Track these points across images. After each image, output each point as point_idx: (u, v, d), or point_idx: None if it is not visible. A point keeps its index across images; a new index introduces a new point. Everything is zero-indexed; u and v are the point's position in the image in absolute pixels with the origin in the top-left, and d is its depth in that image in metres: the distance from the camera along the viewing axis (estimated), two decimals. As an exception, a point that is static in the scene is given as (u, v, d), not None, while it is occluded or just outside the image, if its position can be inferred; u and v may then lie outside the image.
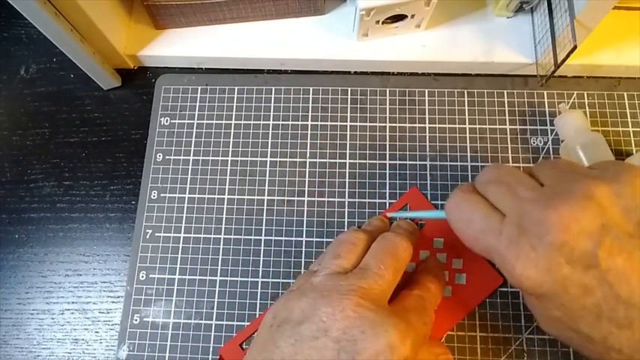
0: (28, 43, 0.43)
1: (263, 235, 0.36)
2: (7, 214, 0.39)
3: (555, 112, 0.38)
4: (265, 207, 0.37)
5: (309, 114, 0.39)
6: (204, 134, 0.39)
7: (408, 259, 0.28)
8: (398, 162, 0.37)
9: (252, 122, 0.39)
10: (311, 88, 0.39)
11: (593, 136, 0.34)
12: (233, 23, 0.40)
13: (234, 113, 0.39)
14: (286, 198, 0.37)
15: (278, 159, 0.38)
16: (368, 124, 0.38)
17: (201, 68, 0.41)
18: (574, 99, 0.38)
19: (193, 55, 0.40)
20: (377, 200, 0.36)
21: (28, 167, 0.40)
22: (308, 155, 0.38)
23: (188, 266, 0.36)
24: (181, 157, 0.38)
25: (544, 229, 0.22)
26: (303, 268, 0.35)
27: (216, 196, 0.37)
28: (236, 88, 0.40)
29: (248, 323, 0.34)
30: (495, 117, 0.38)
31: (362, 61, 0.39)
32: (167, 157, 0.38)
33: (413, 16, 0.36)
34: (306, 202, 0.37)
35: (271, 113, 0.39)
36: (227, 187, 0.37)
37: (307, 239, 0.36)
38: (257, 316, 0.34)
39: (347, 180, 0.37)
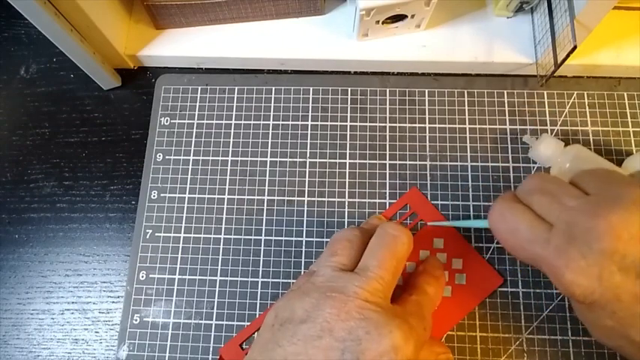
0: (28, 43, 0.43)
1: (263, 235, 0.36)
2: (7, 214, 0.39)
3: (556, 113, 0.38)
4: (265, 207, 0.37)
5: (309, 114, 0.39)
6: (204, 134, 0.39)
7: (408, 254, 0.28)
8: (398, 162, 0.37)
9: (252, 122, 0.39)
10: (311, 88, 0.39)
11: (573, 150, 0.34)
12: (233, 23, 0.40)
13: (234, 113, 0.39)
14: (286, 198, 0.37)
15: (278, 159, 0.38)
16: (368, 124, 0.38)
17: (201, 68, 0.41)
18: (574, 99, 0.38)
19: (193, 55, 0.40)
20: (377, 200, 0.36)
21: (28, 167, 0.40)
22: (308, 155, 0.38)
23: (188, 266, 0.36)
24: (181, 157, 0.38)
25: (594, 237, 0.22)
26: (303, 268, 0.35)
27: (216, 196, 0.37)
28: (236, 88, 0.40)
29: (248, 323, 0.34)
30: (495, 117, 0.38)
31: (362, 61, 0.39)
32: (167, 157, 0.38)
33: (413, 16, 0.36)
34: (306, 202, 0.37)
35: (271, 113, 0.39)
36: (227, 187, 0.37)
37: (307, 239, 0.36)
38: (257, 316, 0.34)
39: (347, 180, 0.37)
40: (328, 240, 0.35)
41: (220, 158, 0.38)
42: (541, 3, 0.37)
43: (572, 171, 0.34)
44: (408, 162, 0.37)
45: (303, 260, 0.35)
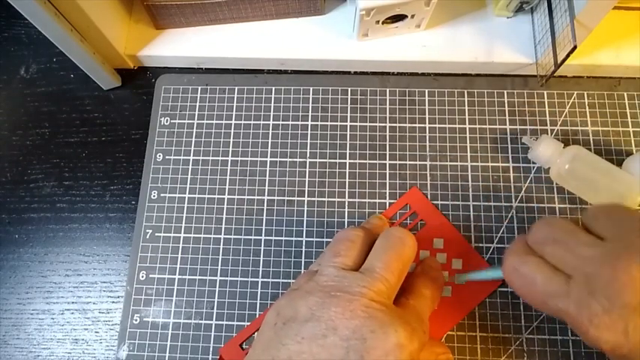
0: (28, 43, 0.43)
1: (263, 235, 0.36)
2: (7, 214, 0.39)
3: (556, 113, 0.38)
4: (265, 207, 0.37)
5: (309, 114, 0.39)
6: (204, 134, 0.39)
7: (412, 258, 0.28)
8: (398, 162, 0.37)
9: (252, 122, 0.39)
10: (311, 88, 0.39)
11: (573, 151, 0.34)
12: (233, 23, 0.40)
13: (234, 113, 0.39)
14: (286, 198, 0.37)
15: (278, 159, 0.38)
16: (368, 124, 0.38)
17: (201, 68, 0.41)
18: (574, 99, 0.38)
19: (193, 55, 0.40)
20: (377, 200, 0.36)
21: (28, 167, 0.40)
22: (308, 155, 0.38)
23: (188, 266, 0.36)
24: (181, 157, 0.38)
25: (615, 291, 0.22)
26: (303, 268, 0.35)
27: (216, 196, 0.37)
28: (236, 88, 0.40)
29: (248, 323, 0.34)
30: (495, 117, 0.38)
31: (362, 61, 0.39)
32: (167, 157, 0.38)
33: (413, 16, 0.36)
34: (306, 202, 0.37)
35: (271, 113, 0.39)
36: (227, 187, 0.37)
37: (307, 239, 0.36)
38: (257, 316, 0.34)
39: (347, 180, 0.37)
40: (328, 240, 0.35)
41: (220, 158, 0.38)
42: (541, 3, 0.37)
43: (572, 171, 0.34)
44: (408, 162, 0.37)
45: (303, 260, 0.35)
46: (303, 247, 0.36)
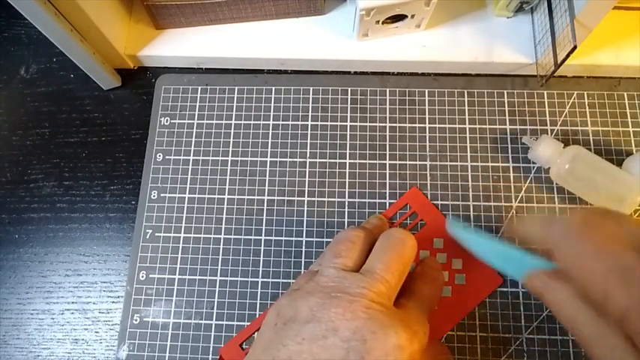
0: (28, 43, 0.43)
1: (263, 235, 0.36)
2: (7, 214, 0.39)
3: (556, 113, 0.38)
4: (265, 207, 0.37)
5: (309, 114, 0.39)
6: (204, 134, 0.39)
7: (413, 258, 0.28)
8: (398, 162, 0.37)
9: (252, 122, 0.39)
10: (311, 88, 0.39)
11: (572, 151, 0.34)
12: (233, 23, 0.40)
13: (234, 113, 0.39)
14: (286, 198, 0.37)
15: (278, 159, 0.38)
16: (368, 124, 0.38)
17: (201, 68, 0.41)
18: (574, 99, 0.38)
19: (193, 55, 0.40)
20: (377, 200, 0.36)
21: (28, 167, 0.40)
22: (308, 155, 0.38)
23: (188, 266, 0.36)
24: (181, 157, 0.38)
25: None
26: (303, 268, 0.35)
27: (216, 196, 0.37)
28: (236, 88, 0.40)
29: (248, 323, 0.34)
30: (495, 117, 0.38)
31: (362, 61, 0.39)
32: (167, 157, 0.38)
33: (413, 16, 0.36)
34: (306, 202, 0.37)
35: (271, 113, 0.39)
36: (227, 187, 0.37)
37: (307, 239, 0.36)
38: (257, 316, 0.34)
39: (347, 180, 0.37)
40: (328, 240, 0.35)
41: (220, 158, 0.38)
42: (541, 3, 0.37)
43: (572, 171, 0.34)
44: (408, 162, 0.37)
45: (303, 260, 0.35)
46: (303, 247, 0.36)
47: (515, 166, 0.37)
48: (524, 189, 0.36)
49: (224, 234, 0.36)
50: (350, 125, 0.38)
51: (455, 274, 0.34)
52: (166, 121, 0.39)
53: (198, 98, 0.40)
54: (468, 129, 0.38)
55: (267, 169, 0.38)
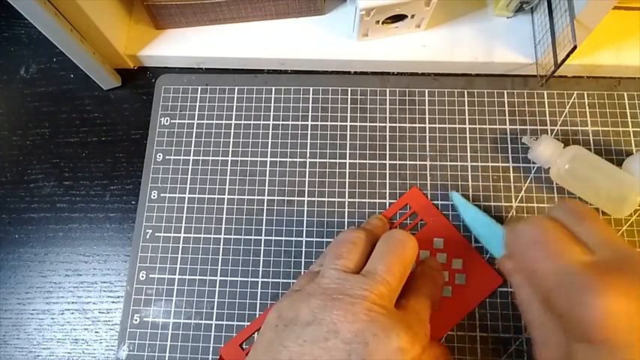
0: (28, 43, 0.43)
1: (263, 235, 0.36)
2: (7, 214, 0.39)
3: (556, 113, 0.38)
4: (265, 207, 0.37)
5: (309, 114, 0.39)
6: (204, 134, 0.39)
7: (414, 259, 0.28)
8: (398, 162, 0.37)
9: (252, 122, 0.39)
10: (311, 88, 0.39)
11: (572, 151, 0.34)
12: (233, 23, 0.40)
13: (234, 113, 0.39)
14: (286, 198, 0.37)
15: (278, 159, 0.38)
16: (368, 124, 0.38)
17: (201, 68, 0.41)
18: (574, 99, 0.38)
19: (193, 55, 0.40)
20: (377, 200, 0.36)
21: (28, 167, 0.40)
22: (308, 155, 0.38)
23: (188, 266, 0.36)
24: (181, 157, 0.38)
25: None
26: (303, 268, 0.35)
27: (216, 196, 0.37)
28: (236, 88, 0.40)
29: (248, 323, 0.34)
30: (495, 117, 0.38)
31: (362, 61, 0.39)
32: (167, 157, 0.38)
33: (413, 16, 0.36)
34: (306, 202, 0.37)
35: (271, 113, 0.39)
36: (227, 187, 0.37)
37: (307, 239, 0.36)
38: (257, 316, 0.34)
39: (347, 180, 0.37)
40: (328, 240, 0.35)
41: (220, 158, 0.38)
42: (541, 3, 0.37)
43: (572, 171, 0.34)
44: (408, 162, 0.37)
45: (303, 260, 0.35)
46: (303, 247, 0.36)
47: (515, 166, 0.37)
48: (524, 189, 0.36)
49: (224, 234, 0.36)
50: (350, 125, 0.38)
51: (455, 274, 0.34)
52: (166, 121, 0.39)
53: (198, 98, 0.40)
54: (468, 129, 0.38)
55: (267, 169, 0.38)
